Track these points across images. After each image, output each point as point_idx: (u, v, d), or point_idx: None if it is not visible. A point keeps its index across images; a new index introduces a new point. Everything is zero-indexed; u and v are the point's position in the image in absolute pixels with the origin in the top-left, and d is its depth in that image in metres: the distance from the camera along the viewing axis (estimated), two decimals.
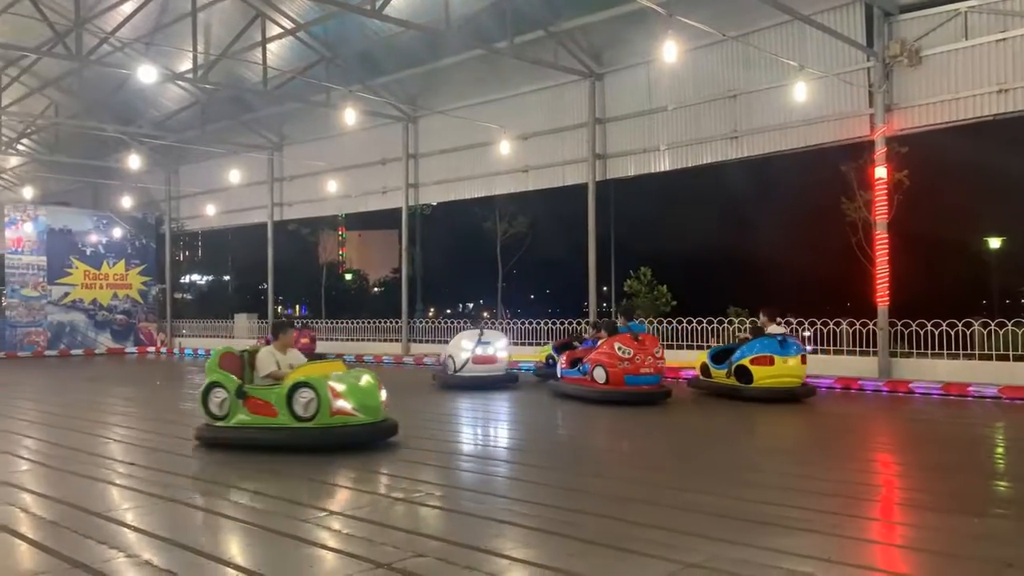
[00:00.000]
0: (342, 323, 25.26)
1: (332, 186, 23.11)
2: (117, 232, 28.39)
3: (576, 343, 14.40)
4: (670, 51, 13.39)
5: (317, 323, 25.96)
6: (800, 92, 14.10)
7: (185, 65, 20.75)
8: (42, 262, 26.68)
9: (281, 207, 26.27)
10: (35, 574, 4.37)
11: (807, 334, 14.97)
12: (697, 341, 16.54)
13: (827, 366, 14.33)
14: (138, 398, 14.15)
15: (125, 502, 6.05)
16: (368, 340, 23.64)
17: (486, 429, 10.17)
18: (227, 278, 49.64)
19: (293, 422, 7.69)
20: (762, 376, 11.64)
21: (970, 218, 32.67)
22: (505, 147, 18.75)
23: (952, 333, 13.37)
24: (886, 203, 14.11)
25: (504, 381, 14.00)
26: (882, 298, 14.03)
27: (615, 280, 26.70)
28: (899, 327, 13.95)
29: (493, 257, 30.73)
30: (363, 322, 24.48)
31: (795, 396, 11.72)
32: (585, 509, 5.60)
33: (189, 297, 43.39)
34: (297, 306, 49.48)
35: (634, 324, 12.56)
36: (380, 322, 23.92)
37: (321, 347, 21.39)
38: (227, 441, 7.95)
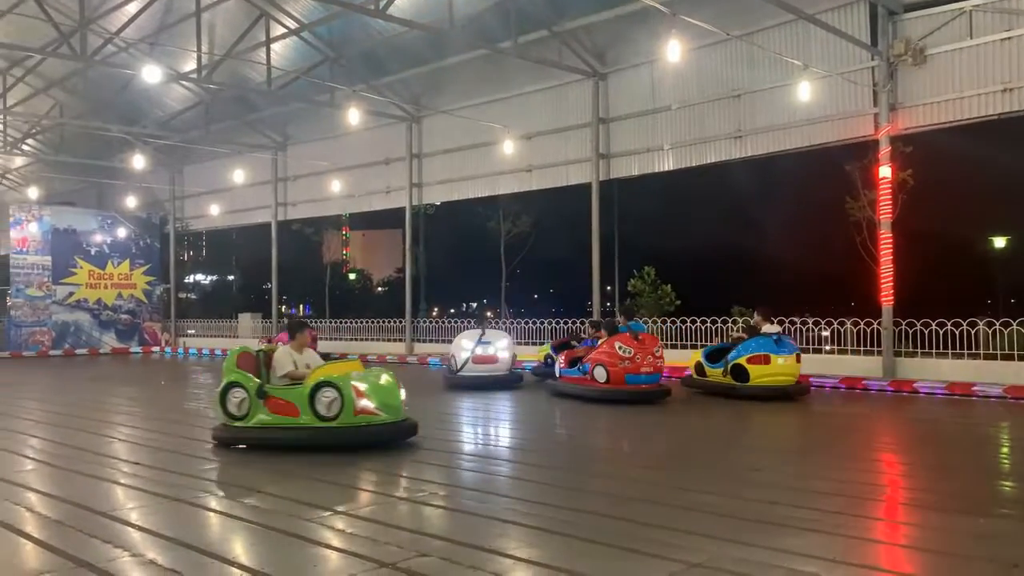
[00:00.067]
0: (346, 323, 25.30)
1: (336, 186, 23.13)
2: (121, 232, 28.45)
3: (574, 342, 14.40)
4: (674, 50, 13.37)
5: (320, 323, 25.98)
6: (804, 91, 14.09)
7: (189, 65, 20.78)
8: (47, 262, 26.76)
9: (285, 207, 26.30)
10: (40, 573, 4.38)
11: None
12: (701, 340, 16.51)
13: (831, 366, 14.32)
14: (142, 398, 14.18)
15: (130, 501, 6.07)
16: (372, 340, 23.68)
17: (487, 428, 10.17)
18: (231, 278, 49.74)
19: (316, 422, 7.68)
20: (758, 375, 11.80)
21: (975, 217, 32.63)
22: (509, 147, 18.75)
23: (957, 333, 13.33)
24: (890, 202, 14.09)
25: (507, 381, 13.87)
26: (886, 297, 14.00)
27: (619, 279, 26.63)
28: (903, 326, 13.92)
29: (497, 256, 30.72)
30: (367, 322, 24.52)
31: (789, 394, 11.90)
32: (588, 508, 5.60)
33: (193, 297, 43.50)
34: (301, 305, 49.54)
35: (634, 323, 12.59)
36: (384, 322, 23.96)
37: (324, 347, 21.34)
38: (248, 441, 7.91)
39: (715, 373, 12.44)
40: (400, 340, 22.82)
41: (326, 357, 8.95)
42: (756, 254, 39.03)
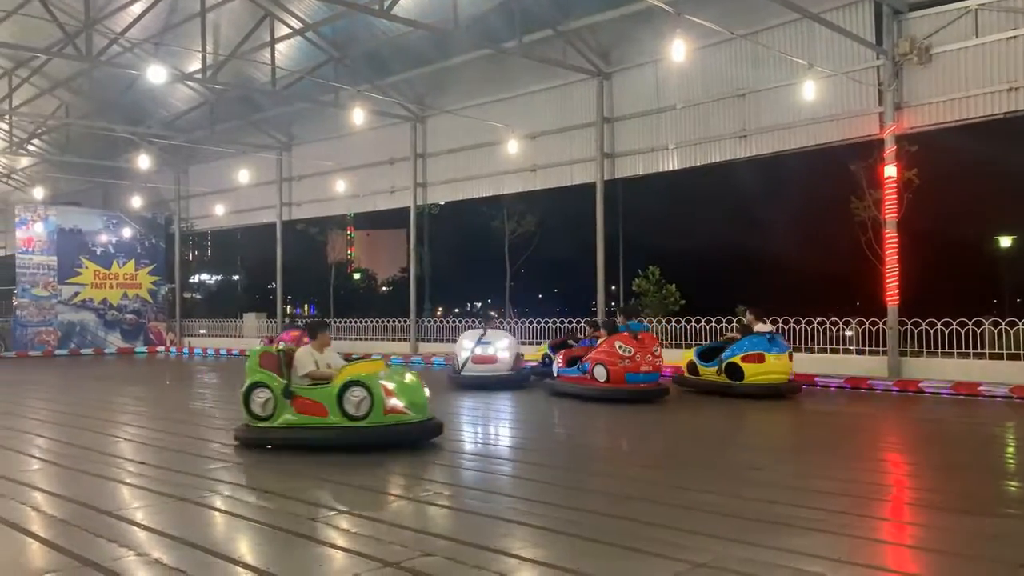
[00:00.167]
0: (351, 322, 25.33)
1: (340, 186, 23.17)
2: (127, 232, 28.51)
3: (572, 342, 14.38)
4: (678, 50, 13.36)
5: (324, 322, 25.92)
6: (809, 91, 14.06)
7: (194, 65, 20.82)
8: (52, 262, 26.82)
9: (290, 207, 26.34)
10: (45, 572, 4.40)
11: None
12: (706, 340, 16.48)
13: (836, 365, 14.30)
14: (148, 398, 14.20)
15: (135, 501, 6.08)
16: (376, 339, 23.70)
17: (487, 428, 10.19)
18: (236, 278, 49.81)
19: (344, 421, 7.65)
20: (753, 373, 11.95)
21: (980, 217, 32.52)
22: (513, 146, 18.75)
23: (962, 332, 13.30)
24: (895, 202, 14.05)
25: (509, 381, 13.71)
26: (892, 297, 13.98)
27: (623, 279, 26.61)
28: (909, 326, 13.90)
29: (501, 256, 30.65)
30: (371, 321, 24.55)
31: (782, 392, 12.02)
32: (591, 508, 5.60)
33: (198, 297, 43.54)
34: (306, 305, 49.58)
35: (633, 323, 12.60)
36: (388, 321, 23.98)
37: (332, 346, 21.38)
38: (273, 442, 7.84)
39: (708, 372, 12.58)
40: (404, 340, 22.84)
41: (348, 357, 8.89)
42: (760, 254, 38.92)
